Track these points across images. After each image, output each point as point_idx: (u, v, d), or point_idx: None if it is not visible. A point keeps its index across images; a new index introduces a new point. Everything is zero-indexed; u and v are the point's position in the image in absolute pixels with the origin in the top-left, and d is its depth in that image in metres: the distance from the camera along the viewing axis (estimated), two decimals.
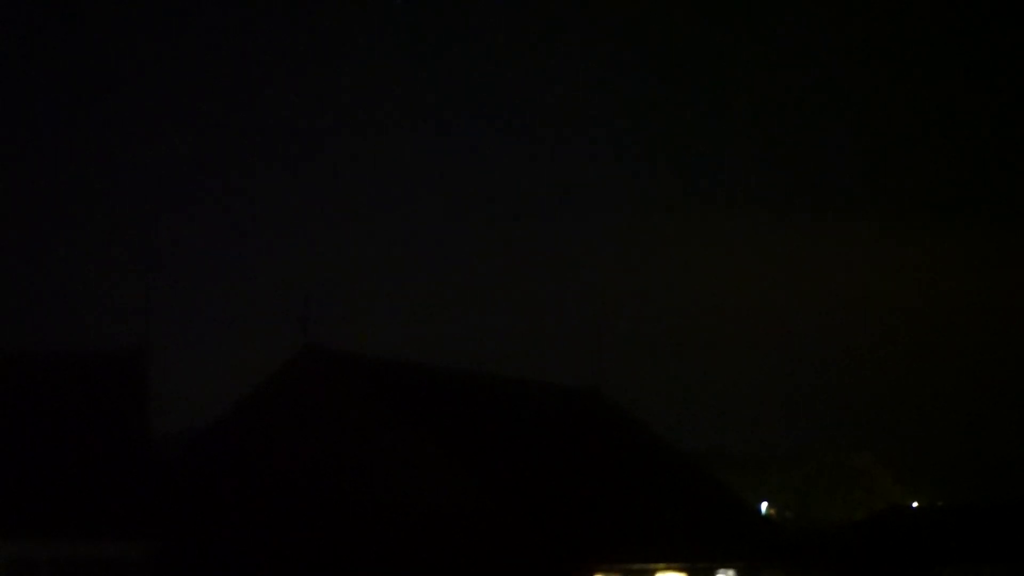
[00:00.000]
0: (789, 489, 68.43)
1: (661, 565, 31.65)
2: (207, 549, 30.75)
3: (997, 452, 74.25)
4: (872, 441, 75.18)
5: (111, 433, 30.19)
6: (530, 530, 29.87)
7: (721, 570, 33.55)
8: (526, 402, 36.50)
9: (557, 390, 38.43)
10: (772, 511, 64.38)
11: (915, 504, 63.08)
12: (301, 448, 31.48)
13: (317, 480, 31.15)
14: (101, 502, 28.45)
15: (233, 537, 31.10)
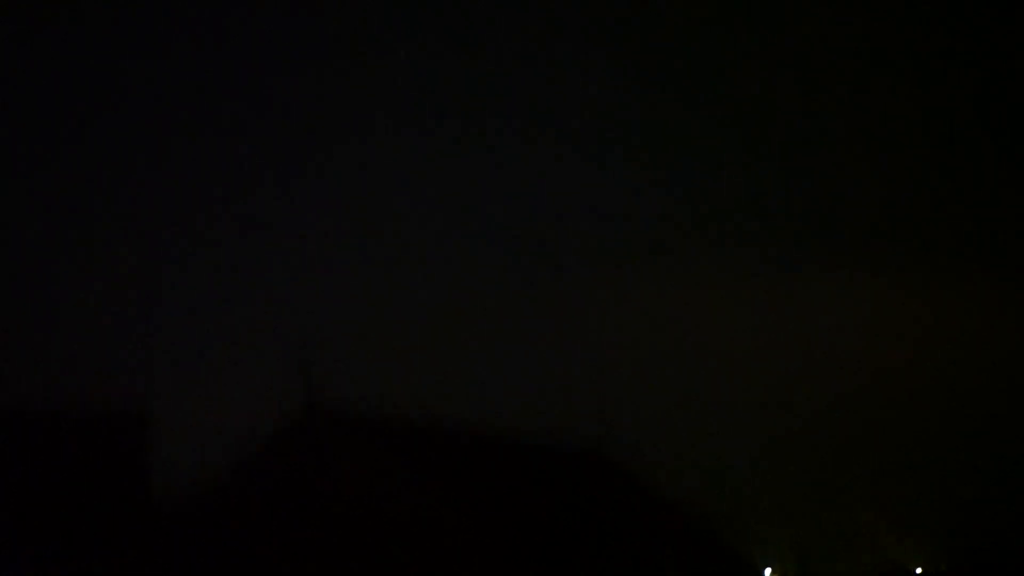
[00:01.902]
0: (793, 548, 68.07)
1: None
2: None
3: (1004, 511, 73.78)
4: (876, 499, 74.82)
5: (110, 496, 30.10)
6: None
7: None
8: (532, 465, 36.45)
9: (562, 453, 38.36)
10: None
11: (919, 570, 62.68)
12: (303, 509, 31.37)
13: (320, 542, 31.03)
14: (100, 566, 28.31)
15: None
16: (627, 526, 36.57)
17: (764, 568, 60.03)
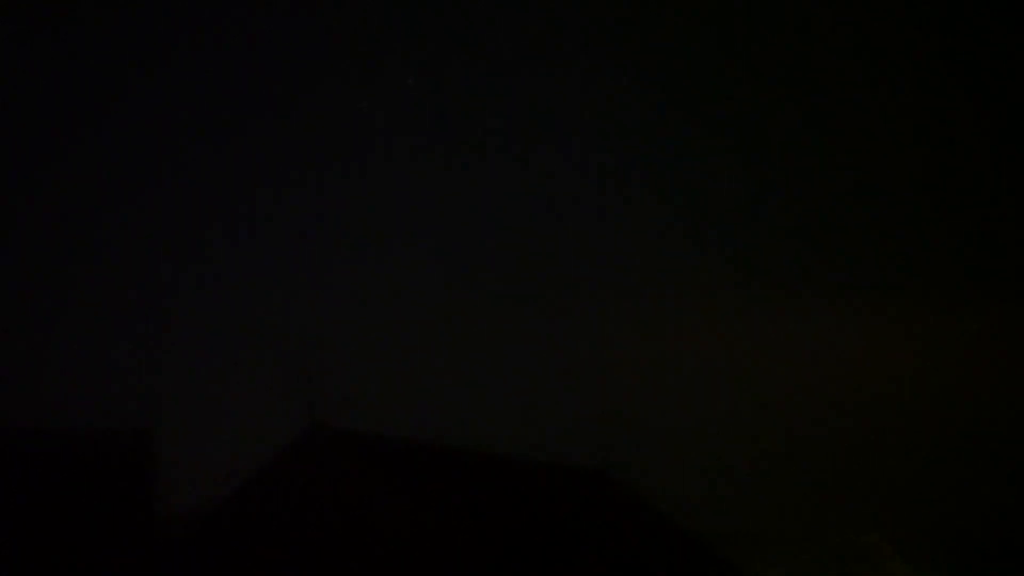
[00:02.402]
0: (797, 570, 67.99)
1: None
2: None
3: (1007, 531, 73.73)
4: (880, 521, 74.79)
5: (116, 513, 30.10)
6: None
7: None
8: (535, 483, 36.40)
9: (565, 471, 38.31)
10: None
11: None
12: (307, 528, 31.35)
13: (324, 558, 31.00)
14: None
15: None
16: (630, 542, 36.55)
17: None
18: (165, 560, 29.99)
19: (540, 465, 37.62)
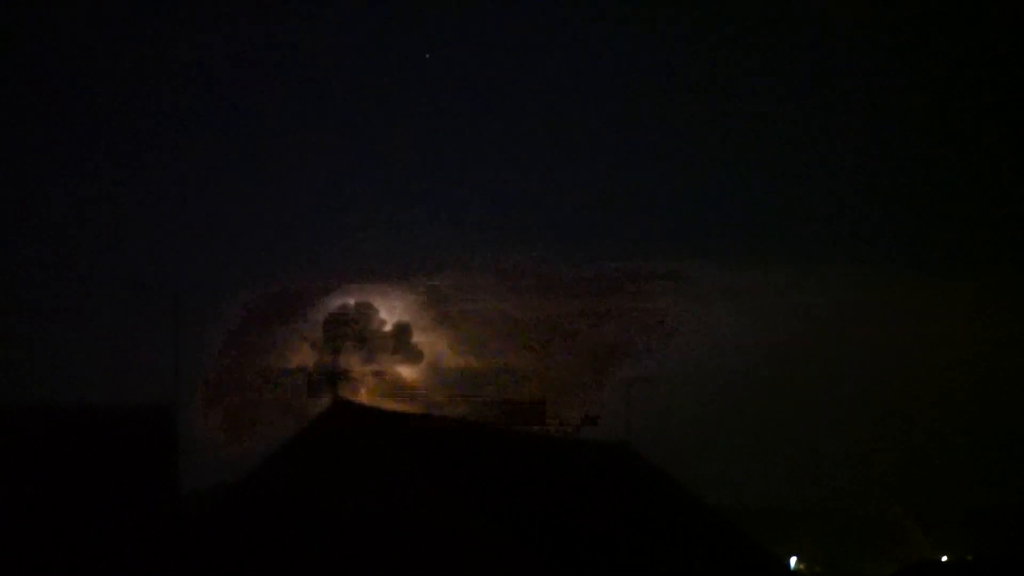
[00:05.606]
0: (819, 543, 68.12)
1: None
2: None
3: None
4: (901, 494, 74.93)
5: (139, 490, 30.20)
6: None
7: None
8: (556, 457, 36.45)
9: (586, 444, 38.38)
10: (802, 566, 64.16)
11: (944, 558, 62.76)
12: (331, 504, 31.39)
13: (348, 537, 31.05)
14: (128, 560, 28.45)
15: None
16: (653, 516, 36.59)
17: (789, 558, 60.11)
18: (188, 539, 30.05)
19: (562, 439, 37.71)
